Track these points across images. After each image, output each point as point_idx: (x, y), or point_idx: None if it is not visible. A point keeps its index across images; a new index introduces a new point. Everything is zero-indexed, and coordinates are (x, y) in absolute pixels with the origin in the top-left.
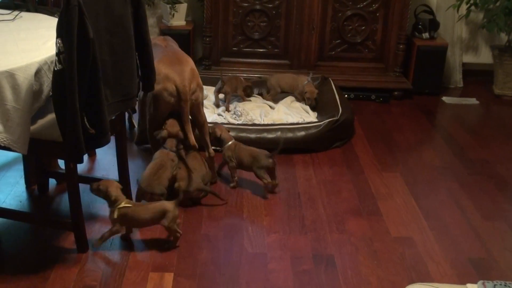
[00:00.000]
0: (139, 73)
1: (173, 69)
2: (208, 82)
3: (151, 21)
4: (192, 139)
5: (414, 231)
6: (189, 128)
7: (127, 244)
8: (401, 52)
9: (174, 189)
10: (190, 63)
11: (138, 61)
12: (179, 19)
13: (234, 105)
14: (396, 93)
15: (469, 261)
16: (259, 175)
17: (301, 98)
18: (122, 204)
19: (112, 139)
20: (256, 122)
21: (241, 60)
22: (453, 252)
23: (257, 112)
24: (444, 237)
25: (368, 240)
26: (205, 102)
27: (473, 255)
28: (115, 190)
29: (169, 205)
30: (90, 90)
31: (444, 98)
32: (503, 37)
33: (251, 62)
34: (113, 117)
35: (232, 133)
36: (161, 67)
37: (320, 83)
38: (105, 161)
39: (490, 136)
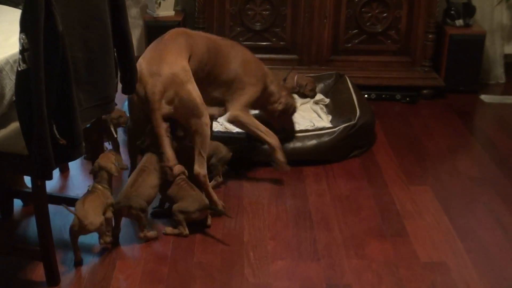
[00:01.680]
0: (118, 73)
1: (149, 69)
2: None
3: (133, 11)
4: (168, 157)
5: (447, 255)
6: (163, 142)
7: (107, 276)
8: (431, 42)
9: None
10: (174, 66)
11: (116, 59)
12: (166, 9)
13: None
14: (425, 91)
15: None
16: (215, 168)
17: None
18: None
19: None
20: None
21: None
22: (494, 279)
23: None
24: (483, 262)
25: (392, 267)
26: None
27: None
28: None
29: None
30: (60, 93)
31: (482, 97)
32: None
33: None
34: (88, 125)
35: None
36: (139, 64)
37: (334, 80)
38: (79, 177)
39: None
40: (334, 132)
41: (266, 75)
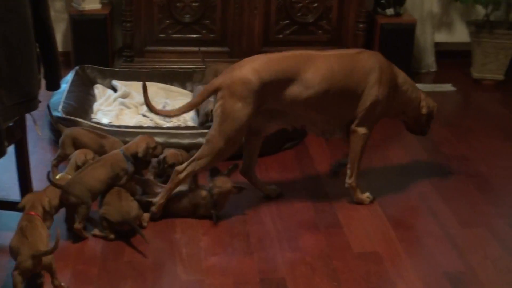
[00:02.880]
0: (41, 69)
1: None
2: (130, 77)
3: (58, 5)
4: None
5: (380, 244)
6: None
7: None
8: (362, 32)
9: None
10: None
11: (39, 55)
12: (92, 2)
13: (163, 104)
14: None
15: (445, 276)
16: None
17: None
18: None
19: (12, 150)
20: (190, 124)
21: (170, 49)
22: (427, 266)
23: (192, 111)
24: (415, 250)
25: (326, 258)
26: (126, 100)
27: (450, 269)
28: None
29: None
30: None
31: None
32: (480, 11)
33: (183, 51)
34: (11, 124)
35: (160, 139)
36: None
37: None
38: (3, 178)
39: (469, 128)
40: None
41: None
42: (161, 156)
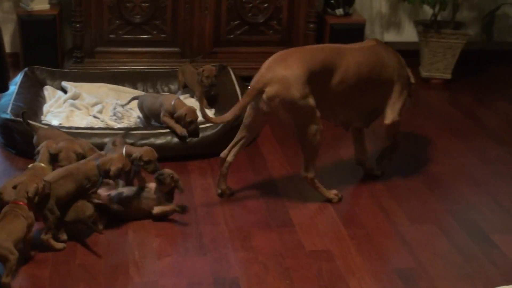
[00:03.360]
0: None
1: None
2: (80, 78)
3: (6, 5)
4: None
5: (331, 242)
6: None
7: None
8: (312, 32)
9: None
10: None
11: None
12: (41, 2)
13: (114, 105)
14: None
15: (396, 272)
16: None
17: (199, 85)
18: None
19: None
20: (141, 125)
21: (121, 49)
22: (377, 263)
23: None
24: (366, 247)
25: (278, 257)
26: (77, 102)
27: (400, 265)
28: None
29: None
30: None
31: None
32: (428, 11)
33: (134, 51)
34: None
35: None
36: None
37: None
38: None
39: (418, 126)
40: (217, 125)
41: None
42: (137, 155)
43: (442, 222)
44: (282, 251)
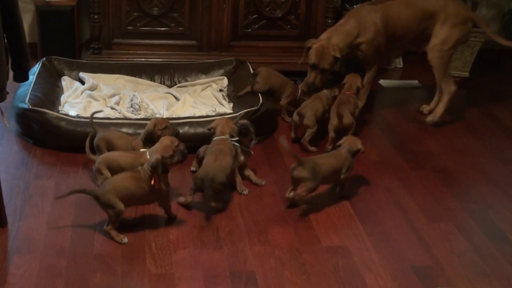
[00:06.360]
0: (9, 59)
1: None
2: (97, 69)
3: None
4: None
5: (348, 238)
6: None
7: (1, 273)
8: (330, 27)
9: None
10: None
11: (7, 45)
12: None
13: (131, 97)
14: None
15: (412, 270)
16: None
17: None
18: None
19: None
20: (159, 116)
21: (138, 41)
22: (394, 260)
23: (160, 103)
24: (383, 244)
25: (295, 252)
26: (94, 93)
27: (417, 263)
28: None
29: None
30: None
31: (381, 81)
32: None
33: (151, 44)
34: None
35: (128, 130)
36: None
37: (235, 67)
38: None
39: (435, 124)
40: (235, 118)
41: None
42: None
43: (459, 221)
44: (298, 246)
